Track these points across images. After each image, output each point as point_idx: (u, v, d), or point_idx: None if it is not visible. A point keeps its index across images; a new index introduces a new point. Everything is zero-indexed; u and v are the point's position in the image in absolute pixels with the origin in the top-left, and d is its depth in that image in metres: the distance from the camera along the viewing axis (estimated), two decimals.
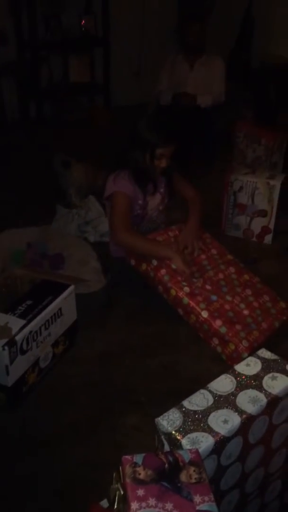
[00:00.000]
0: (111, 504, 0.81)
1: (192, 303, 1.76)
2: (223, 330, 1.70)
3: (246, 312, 1.78)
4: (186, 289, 1.78)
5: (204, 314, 1.73)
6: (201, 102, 3.20)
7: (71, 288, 1.74)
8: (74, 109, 4.26)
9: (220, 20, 4.17)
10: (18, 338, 1.50)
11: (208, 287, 1.82)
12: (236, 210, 2.57)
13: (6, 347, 1.46)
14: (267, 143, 3.11)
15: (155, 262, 1.83)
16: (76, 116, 4.18)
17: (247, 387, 1.01)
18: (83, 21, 4.06)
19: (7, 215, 2.61)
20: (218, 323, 1.72)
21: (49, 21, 3.92)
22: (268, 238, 2.56)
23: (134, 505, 0.72)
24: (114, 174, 1.95)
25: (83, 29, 4.09)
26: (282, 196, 2.45)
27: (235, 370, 1.06)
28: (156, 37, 4.24)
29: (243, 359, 1.12)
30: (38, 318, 1.59)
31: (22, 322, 1.55)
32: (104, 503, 1.26)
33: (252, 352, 1.49)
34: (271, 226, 2.53)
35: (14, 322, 1.54)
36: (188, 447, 0.87)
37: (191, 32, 3.20)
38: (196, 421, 0.93)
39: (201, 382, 1.04)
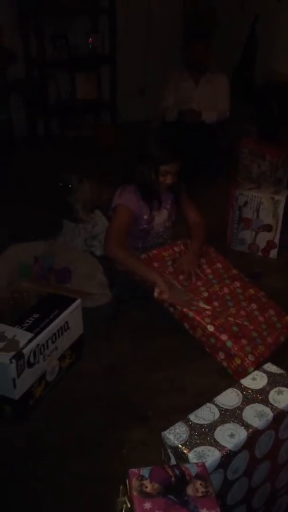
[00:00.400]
0: None
1: (197, 318, 1.76)
2: (229, 344, 1.71)
3: (251, 326, 1.78)
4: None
5: (210, 328, 1.74)
6: (206, 118, 3.24)
7: (78, 302, 1.76)
8: (81, 126, 4.33)
9: (225, 38, 4.25)
10: (25, 351, 1.51)
11: (215, 303, 1.83)
12: (241, 225, 2.59)
13: (13, 360, 1.47)
14: (271, 159, 3.15)
15: (156, 292, 1.85)
16: (83, 132, 4.25)
17: (253, 401, 1.01)
18: (90, 39, 4.16)
19: (15, 230, 2.64)
20: (224, 337, 1.72)
21: (56, 40, 4.02)
22: (273, 253, 2.57)
23: None
24: (121, 187, 1.98)
25: (90, 46, 4.18)
26: (287, 211, 2.47)
27: (241, 384, 1.07)
28: (161, 55, 4.32)
29: (249, 373, 1.13)
30: (45, 331, 1.60)
31: (29, 335, 1.56)
32: None
33: (258, 366, 1.49)
34: (276, 240, 2.54)
35: (22, 335, 1.56)
36: (194, 460, 0.88)
37: (196, 50, 3.27)
38: (203, 435, 0.94)
39: (207, 396, 1.05)
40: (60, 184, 2.83)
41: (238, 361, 1.69)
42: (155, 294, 1.82)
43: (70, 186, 2.80)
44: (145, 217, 2.01)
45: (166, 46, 4.30)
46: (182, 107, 3.27)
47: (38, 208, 2.99)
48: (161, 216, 2.07)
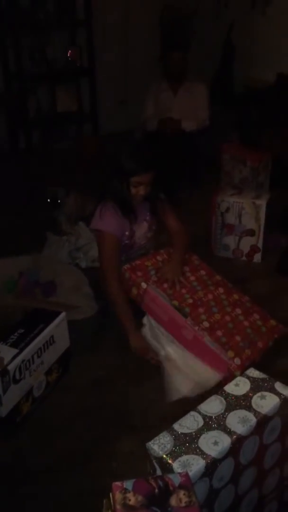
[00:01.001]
0: None
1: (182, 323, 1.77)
2: (213, 345, 1.72)
3: (235, 331, 1.80)
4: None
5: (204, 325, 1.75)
6: (186, 126, 3.28)
7: (63, 315, 1.75)
8: (63, 138, 4.34)
9: (202, 47, 4.31)
10: (10, 367, 1.50)
11: (200, 309, 1.83)
12: (224, 231, 2.61)
13: None
14: (252, 164, 3.18)
15: (144, 285, 1.85)
16: (64, 145, 4.26)
17: (236, 407, 1.02)
18: (69, 52, 4.19)
19: None
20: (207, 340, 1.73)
21: (34, 54, 4.04)
22: (257, 257, 2.60)
23: None
24: (100, 205, 1.97)
25: (69, 59, 4.21)
26: (271, 214, 2.50)
27: (224, 391, 1.07)
28: (141, 65, 4.36)
29: (236, 377, 1.14)
30: (31, 346, 1.59)
31: (14, 351, 1.55)
32: None
33: (244, 370, 1.50)
34: (260, 245, 2.57)
35: (6, 352, 1.55)
36: (179, 470, 0.88)
37: (173, 60, 3.31)
38: (187, 444, 0.94)
39: (195, 405, 1.05)
40: (48, 200, 2.82)
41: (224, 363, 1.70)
42: (142, 287, 1.84)
43: (58, 201, 2.79)
44: (127, 233, 2.01)
45: (145, 56, 4.34)
46: (162, 117, 3.30)
47: (21, 221, 2.98)
48: (141, 229, 2.07)
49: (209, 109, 3.41)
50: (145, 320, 1.87)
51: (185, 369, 1.75)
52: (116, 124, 4.27)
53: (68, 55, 4.18)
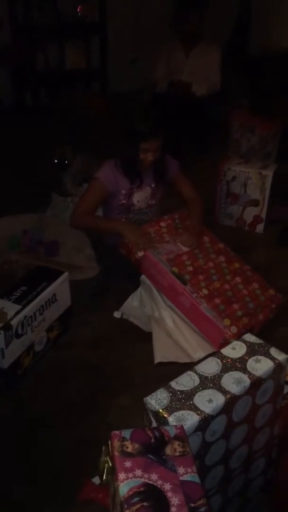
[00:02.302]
0: (101, 475, 0.86)
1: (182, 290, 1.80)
2: (210, 313, 1.76)
3: (234, 299, 1.83)
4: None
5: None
6: (196, 90, 3.21)
7: (65, 274, 1.78)
8: (70, 96, 4.25)
9: (218, 7, 4.14)
10: (13, 322, 1.55)
11: (200, 276, 1.86)
12: (229, 200, 2.61)
13: (1, 331, 1.50)
14: (261, 132, 3.14)
15: (140, 253, 1.88)
16: (72, 102, 4.17)
17: (231, 369, 1.06)
18: (79, 7, 4.04)
19: (3, 202, 2.63)
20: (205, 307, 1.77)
21: (43, 4, 3.88)
22: (260, 227, 2.61)
23: (121, 476, 0.78)
24: (106, 161, 1.98)
25: (79, 15, 4.06)
26: (275, 185, 2.49)
27: (221, 353, 1.11)
28: (153, 24, 4.21)
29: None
30: (33, 303, 1.63)
31: (17, 307, 1.59)
32: (96, 479, 1.33)
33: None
34: (263, 215, 2.57)
35: (10, 307, 1.59)
36: (174, 424, 0.93)
37: (189, 20, 3.19)
38: (183, 400, 0.98)
39: (192, 366, 1.09)
40: (56, 160, 2.80)
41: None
42: (138, 255, 1.86)
43: (66, 162, 2.77)
44: (123, 191, 2.02)
45: (159, 14, 4.18)
46: (172, 78, 3.23)
47: (26, 180, 2.97)
48: (143, 193, 2.07)
49: (221, 74, 3.32)
50: (142, 277, 1.89)
51: (176, 336, 1.78)
52: (125, 83, 4.18)
53: (78, 10, 4.04)
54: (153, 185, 2.08)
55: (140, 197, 2.07)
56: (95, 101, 4.12)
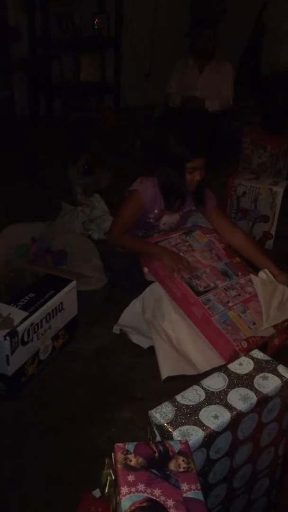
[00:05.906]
0: (102, 488, 0.85)
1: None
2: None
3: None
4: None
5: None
6: (209, 106, 3.24)
7: (73, 283, 1.78)
8: (83, 108, 4.30)
9: (232, 26, 4.20)
10: (19, 329, 1.54)
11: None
12: (239, 215, 2.60)
13: (7, 337, 1.50)
14: (272, 149, 3.15)
15: (146, 270, 1.90)
16: (85, 115, 4.23)
17: (238, 385, 1.04)
18: (96, 20, 4.11)
19: (13, 210, 2.65)
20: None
21: (62, 20, 3.97)
22: (269, 244, 2.60)
23: (124, 489, 0.76)
24: (142, 177, 1.97)
25: (95, 28, 4.13)
26: (286, 202, 2.48)
27: (228, 369, 1.10)
28: (168, 39, 4.28)
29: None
30: (40, 310, 1.63)
31: (24, 314, 1.59)
32: (96, 492, 1.30)
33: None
34: (273, 231, 2.56)
35: (17, 314, 1.59)
36: (179, 438, 0.91)
37: (203, 37, 3.25)
38: (188, 415, 0.97)
39: (196, 381, 1.08)
40: (83, 166, 2.79)
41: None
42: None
43: (86, 167, 2.77)
44: (156, 211, 2.00)
45: (173, 30, 4.25)
46: (185, 94, 3.26)
47: (37, 189, 3.00)
48: (172, 217, 2.05)
49: (233, 90, 3.35)
50: (153, 285, 1.88)
51: (182, 346, 1.76)
52: (138, 97, 4.22)
53: (95, 22, 4.11)
54: (185, 210, 2.06)
55: (167, 221, 2.06)
56: (108, 114, 4.17)
